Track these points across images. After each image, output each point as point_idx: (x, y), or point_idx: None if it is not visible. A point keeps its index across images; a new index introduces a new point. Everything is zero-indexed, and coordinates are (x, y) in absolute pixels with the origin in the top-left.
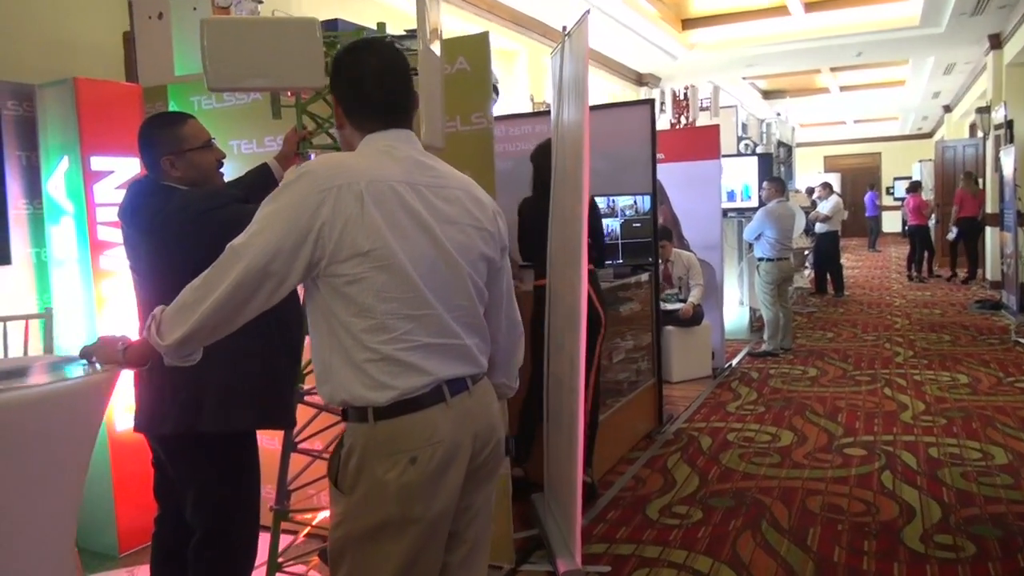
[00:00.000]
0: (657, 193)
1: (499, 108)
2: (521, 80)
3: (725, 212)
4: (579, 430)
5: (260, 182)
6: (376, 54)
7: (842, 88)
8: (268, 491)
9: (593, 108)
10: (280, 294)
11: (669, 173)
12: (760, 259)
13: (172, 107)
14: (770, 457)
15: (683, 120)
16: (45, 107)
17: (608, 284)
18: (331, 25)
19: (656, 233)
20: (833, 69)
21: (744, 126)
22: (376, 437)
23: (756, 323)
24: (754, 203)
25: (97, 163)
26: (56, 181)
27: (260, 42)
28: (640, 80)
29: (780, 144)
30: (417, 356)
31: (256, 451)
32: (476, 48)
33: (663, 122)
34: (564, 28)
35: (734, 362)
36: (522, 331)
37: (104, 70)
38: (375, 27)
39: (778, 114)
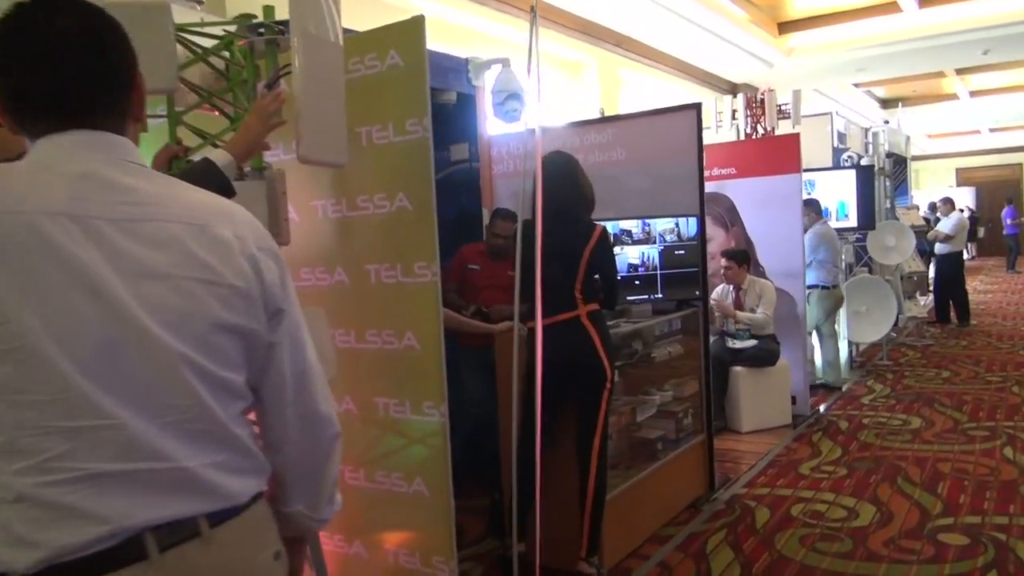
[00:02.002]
0: (705, 214)
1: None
2: (591, 93)
3: None
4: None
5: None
6: (39, 20)
7: (972, 93)
8: None
9: (629, 116)
10: None
11: (742, 190)
12: (813, 287)
13: None
14: (840, 543)
15: (760, 129)
16: None
17: (635, 325)
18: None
19: (704, 262)
20: (959, 72)
21: (842, 135)
22: None
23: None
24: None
25: None
26: None
27: None
28: (734, 91)
29: (890, 155)
30: (82, 493)
31: None
32: (410, 37)
33: (735, 133)
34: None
35: (823, 408)
36: (336, 432)
37: None
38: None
39: (886, 122)
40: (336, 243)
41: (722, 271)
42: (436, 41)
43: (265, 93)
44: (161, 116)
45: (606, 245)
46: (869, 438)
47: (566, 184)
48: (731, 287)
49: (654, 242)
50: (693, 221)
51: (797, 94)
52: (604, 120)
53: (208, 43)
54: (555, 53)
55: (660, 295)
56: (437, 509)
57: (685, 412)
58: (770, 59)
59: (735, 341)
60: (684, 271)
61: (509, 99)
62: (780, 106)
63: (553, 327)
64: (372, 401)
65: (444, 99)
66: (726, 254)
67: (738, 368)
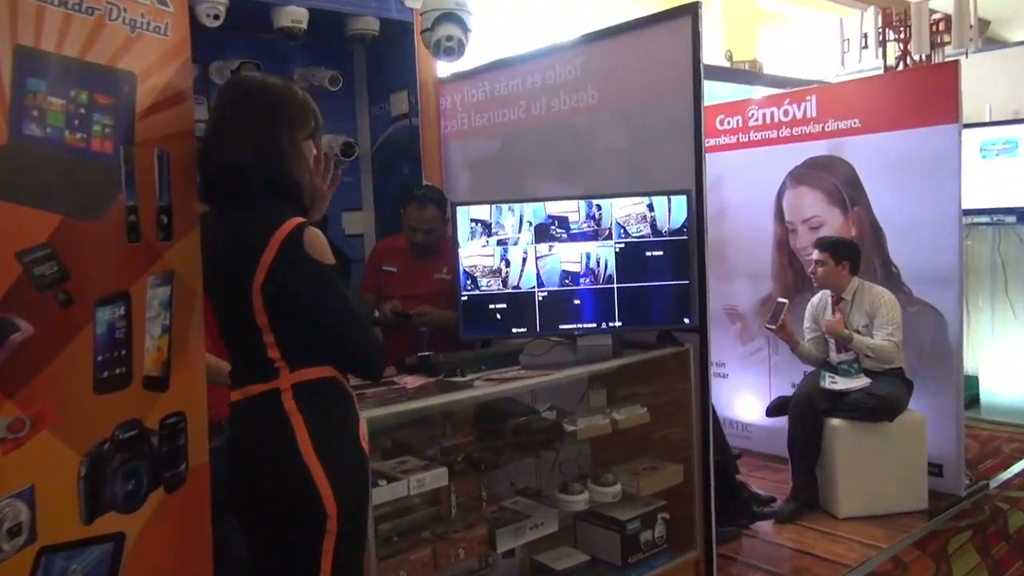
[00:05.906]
0: (705, 191)
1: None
2: (713, 32)
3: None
4: None
5: None
6: None
7: None
8: None
9: (601, 35)
10: None
11: (870, 151)
12: None
13: None
14: None
15: (909, 60)
16: None
17: (507, 384)
18: None
19: (703, 267)
20: None
21: None
22: None
23: None
24: None
25: None
26: None
27: None
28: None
29: None
30: None
31: None
32: None
33: (864, 65)
34: None
35: (995, 483)
36: None
37: None
38: None
39: None
40: None
41: (811, 268)
42: None
43: None
44: None
45: (298, 257)
46: None
47: (241, 134)
48: (828, 295)
49: (608, 237)
50: (681, 201)
51: (964, 4)
52: (566, 46)
53: None
54: None
55: (617, 323)
56: None
57: (648, 520)
58: None
59: (836, 378)
60: (664, 284)
61: (441, 22)
62: (936, 22)
63: (240, 412)
64: None
65: (360, 29)
66: (820, 243)
67: (836, 421)
